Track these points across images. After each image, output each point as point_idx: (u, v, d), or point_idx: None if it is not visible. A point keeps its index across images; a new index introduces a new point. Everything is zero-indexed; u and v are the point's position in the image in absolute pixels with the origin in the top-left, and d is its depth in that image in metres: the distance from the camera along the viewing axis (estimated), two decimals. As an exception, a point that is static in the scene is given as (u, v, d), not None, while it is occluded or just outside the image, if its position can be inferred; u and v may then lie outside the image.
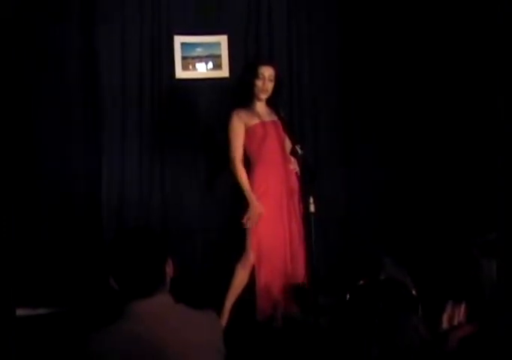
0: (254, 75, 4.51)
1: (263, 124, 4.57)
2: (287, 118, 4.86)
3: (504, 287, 2.10)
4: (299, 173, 4.61)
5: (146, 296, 2.21)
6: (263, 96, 4.56)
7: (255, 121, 4.57)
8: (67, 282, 5.09)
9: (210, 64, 5.35)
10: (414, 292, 1.79)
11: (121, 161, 5.27)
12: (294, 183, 4.62)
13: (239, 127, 4.56)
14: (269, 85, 4.55)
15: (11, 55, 3.20)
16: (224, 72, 5.34)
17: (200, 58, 5.34)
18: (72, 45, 5.21)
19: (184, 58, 5.32)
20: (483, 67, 5.00)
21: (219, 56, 5.34)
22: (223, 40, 5.33)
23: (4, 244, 2.33)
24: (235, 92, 4.64)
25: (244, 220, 4.49)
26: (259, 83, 4.52)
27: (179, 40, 5.30)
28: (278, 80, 4.59)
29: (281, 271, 4.56)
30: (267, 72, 4.53)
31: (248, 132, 4.58)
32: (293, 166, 4.60)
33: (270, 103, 4.60)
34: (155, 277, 2.25)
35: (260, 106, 4.61)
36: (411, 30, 5.33)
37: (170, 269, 2.30)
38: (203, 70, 5.36)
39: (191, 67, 5.34)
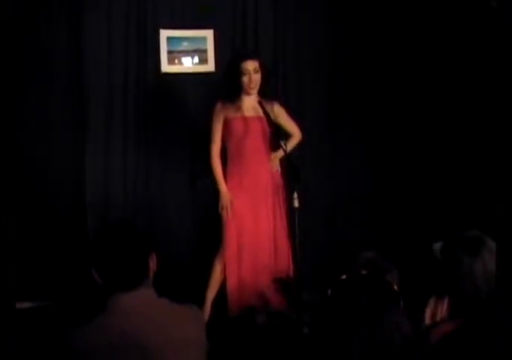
0: (239, 72, 4.50)
1: (244, 118, 4.56)
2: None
3: (500, 285, 2.11)
4: (279, 172, 4.63)
5: (129, 290, 2.21)
6: (253, 90, 4.55)
7: (236, 114, 4.57)
8: (51, 276, 5.07)
9: (196, 59, 5.34)
10: (395, 287, 1.80)
11: (105, 156, 5.25)
12: (278, 179, 4.63)
13: (217, 119, 4.58)
14: (256, 78, 4.53)
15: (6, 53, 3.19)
16: (210, 66, 5.33)
17: (186, 53, 5.33)
18: (57, 39, 5.18)
19: (170, 52, 5.31)
20: (470, 65, 5.04)
21: (205, 51, 5.33)
22: (209, 34, 5.32)
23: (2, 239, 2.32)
24: (222, 89, 4.64)
25: (219, 210, 4.53)
26: (245, 79, 4.51)
27: (165, 34, 5.28)
28: (264, 71, 4.58)
29: (264, 267, 4.57)
30: (251, 66, 4.51)
31: (227, 125, 4.58)
32: (274, 165, 4.62)
33: (262, 96, 4.59)
34: (138, 270, 2.24)
35: (248, 101, 4.59)
36: (402, 23, 5.33)
37: (153, 264, 2.29)
38: (188, 64, 5.35)
39: (176, 61, 5.33)
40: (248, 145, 4.57)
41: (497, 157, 2.16)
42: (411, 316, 2.12)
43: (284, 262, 4.60)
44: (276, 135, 4.42)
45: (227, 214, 4.54)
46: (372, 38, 5.41)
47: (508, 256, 2.03)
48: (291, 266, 4.58)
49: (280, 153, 4.58)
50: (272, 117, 4.50)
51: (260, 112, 4.51)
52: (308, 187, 4.65)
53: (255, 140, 4.58)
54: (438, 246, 2.82)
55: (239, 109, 4.58)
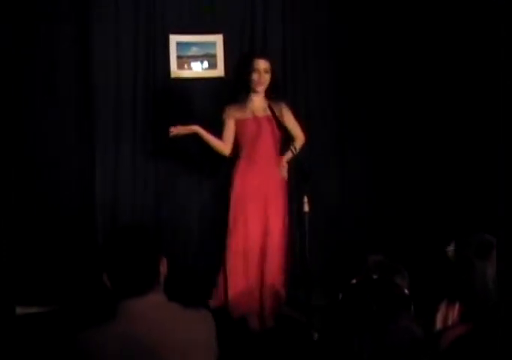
0: (250, 68, 4.52)
1: (255, 119, 4.59)
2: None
3: (503, 288, 2.11)
4: (286, 179, 4.66)
5: (139, 295, 2.21)
6: (260, 88, 4.56)
7: (247, 115, 4.59)
8: (59, 280, 5.08)
9: (205, 64, 5.35)
10: (406, 292, 1.79)
11: (114, 160, 5.27)
12: (283, 184, 4.64)
13: (229, 121, 4.62)
14: (266, 77, 4.56)
15: (8, 54, 3.20)
16: (219, 71, 5.35)
17: (196, 58, 5.35)
18: (66, 43, 5.19)
19: (179, 57, 5.32)
20: (476, 64, 5.02)
21: (214, 56, 5.34)
22: (218, 39, 5.33)
23: (4, 245, 2.33)
24: (232, 87, 4.65)
25: None
26: (255, 76, 4.53)
27: (174, 39, 5.30)
28: (273, 73, 4.60)
29: (270, 270, 4.55)
30: (262, 65, 4.54)
31: (239, 126, 4.61)
32: (283, 172, 4.63)
33: (268, 97, 4.61)
34: (149, 275, 2.24)
35: (257, 101, 4.61)
36: (406, 24, 5.32)
37: (164, 268, 2.29)
38: (198, 69, 5.36)
39: (186, 66, 5.34)
40: (260, 145, 4.60)
41: (499, 159, 2.16)
42: (422, 319, 2.11)
43: (274, 267, 4.59)
44: (286, 138, 4.43)
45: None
46: (381, 40, 5.40)
47: (509, 257, 2.03)
48: (281, 272, 4.61)
49: (288, 156, 4.61)
50: (280, 119, 4.53)
51: (269, 113, 4.52)
52: (316, 190, 4.64)
53: (267, 141, 4.60)
54: (451, 248, 2.81)
55: (249, 109, 4.60)
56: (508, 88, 2.23)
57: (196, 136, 5.14)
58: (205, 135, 4.63)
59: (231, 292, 4.56)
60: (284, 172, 4.66)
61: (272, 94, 4.62)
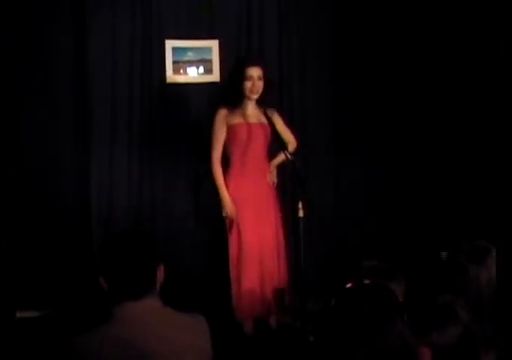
0: (243, 77, 4.51)
1: (247, 125, 4.57)
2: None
3: (501, 292, 2.12)
4: (275, 184, 4.67)
5: (135, 298, 2.22)
6: (254, 96, 4.55)
7: (239, 120, 4.57)
8: (56, 284, 5.08)
9: (201, 69, 5.37)
10: (399, 297, 1.81)
11: (110, 162, 5.27)
12: (273, 188, 4.66)
13: (220, 125, 4.58)
14: (259, 85, 4.54)
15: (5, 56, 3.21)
16: (215, 76, 5.36)
17: (191, 63, 5.36)
18: (62, 48, 5.21)
19: (175, 62, 5.34)
20: (475, 67, 5.04)
21: (210, 61, 5.36)
22: (214, 44, 5.35)
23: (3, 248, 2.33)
24: (225, 93, 4.65)
25: (223, 216, 4.55)
26: (248, 84, 4.51)
27: (170, 44, 5.32)
28: (267, 80, 4.59)
29: (268, 276, 4.55)
30: (255, 72, 4.52)
31: (230, 131, 4.58)
32: (272, 177, 4.63)
33: (261, 103, 4.60)
34: (145, 279, 2.25)
35: (250, 107, 4.60)
36: (405, 26, 5.35)
37: (160, 274, 2.30)
38: (193, 74, 5.37)
39: (181, 71, 5.36)
40: (251, 151, 4.58)
41: (499, 165, 2.18)
42: (416, 325, 2.12)
43: (283, 271, 4.60)
44: (281, 144, 4.44)
45: (233, 224, 4.53)
46: (379, 44, 5.41)
47: (509, 262, 2.04)
48: (287, 276, 4.61)
49: (277, 161, 4.62)
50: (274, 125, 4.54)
51: (262, 119, 4.53)
52: (311, 196, 4.65)
53: (258, 147, 4.60)
54: (445, 254, 2.83)
55: (242, 115, 4.58)
56: (508, 88, 2.24)
57: (191, 145, 5.18)
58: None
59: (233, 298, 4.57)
60: (272, 177, 4.67)
61: (263, 101, 4.61)
